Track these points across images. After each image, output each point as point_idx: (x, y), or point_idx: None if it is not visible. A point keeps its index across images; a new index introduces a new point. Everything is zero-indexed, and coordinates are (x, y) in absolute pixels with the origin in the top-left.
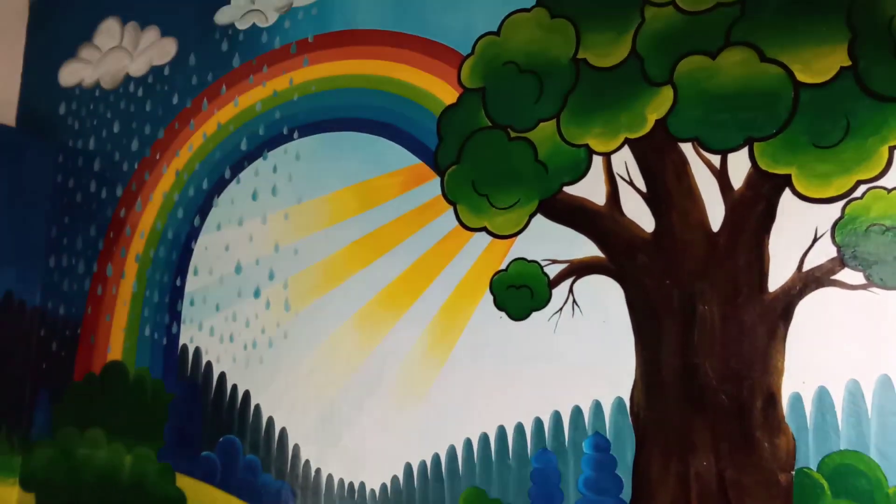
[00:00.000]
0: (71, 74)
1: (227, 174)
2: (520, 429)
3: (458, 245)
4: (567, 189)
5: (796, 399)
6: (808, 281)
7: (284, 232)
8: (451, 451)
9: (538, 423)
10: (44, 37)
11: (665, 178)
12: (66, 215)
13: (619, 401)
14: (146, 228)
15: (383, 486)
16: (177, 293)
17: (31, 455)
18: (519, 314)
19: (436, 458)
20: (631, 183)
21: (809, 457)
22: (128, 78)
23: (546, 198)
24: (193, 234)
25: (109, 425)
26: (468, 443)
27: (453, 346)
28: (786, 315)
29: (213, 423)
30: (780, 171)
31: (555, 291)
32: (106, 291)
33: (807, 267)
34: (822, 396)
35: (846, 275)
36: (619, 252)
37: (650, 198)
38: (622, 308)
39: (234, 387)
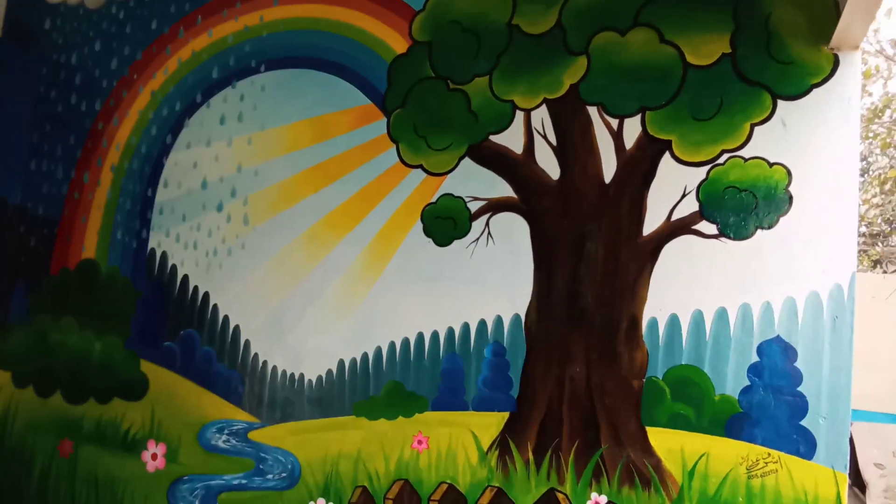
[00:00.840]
0: None
1: (199, 98)
2: (435, 335)
3: (397, 179)
4: (492, 137)
5: (653, 323)
6: (673, 229)
7: (247, 155)
8: (378, 352)
9: (450, 331)
10: None
11: (573, 135)
12: (47, 123)
13: (517, 316)
14: (121, 142)
15: (319, 377)
16: (147, 202)
17: (7, 337)
18: (443, 241)
19: (364, 356)
20: (545, 137)
21: (658, 368)
22: (111, 0)
23: (474, 143)
24: (165, 150)
25: (81, 315)
26: (392, 345)
27: (386, 265)
28: (653, 255)
29: (175, 318)
30: (664, 136)
31: (474, 224)
32: (82, 196)
33: (674, 217)
34: (673, 322)
35: (703, 226)
36: (529, 194)
37: (559, 151)
38: (527, 241)
39: (196, 288)
